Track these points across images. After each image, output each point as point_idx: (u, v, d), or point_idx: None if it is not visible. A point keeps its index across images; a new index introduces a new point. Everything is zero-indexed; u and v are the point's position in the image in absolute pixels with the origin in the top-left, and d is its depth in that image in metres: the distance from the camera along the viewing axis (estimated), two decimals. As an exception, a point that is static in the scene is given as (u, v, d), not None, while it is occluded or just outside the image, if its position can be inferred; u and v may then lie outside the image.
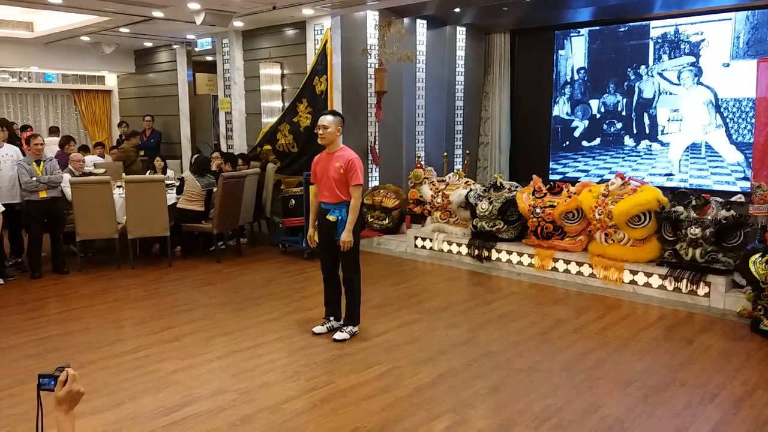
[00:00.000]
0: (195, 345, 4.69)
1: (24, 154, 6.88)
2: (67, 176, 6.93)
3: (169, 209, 7.18)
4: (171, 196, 7.39)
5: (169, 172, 8.72)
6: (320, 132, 4.66)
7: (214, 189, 7.42)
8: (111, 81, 12.59)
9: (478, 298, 5.92)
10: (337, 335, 4.74)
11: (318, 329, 4.87)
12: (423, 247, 7.72)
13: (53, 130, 10.84)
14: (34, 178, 6.43)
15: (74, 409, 1.88)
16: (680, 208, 5.73)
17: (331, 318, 4.92)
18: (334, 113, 4.77)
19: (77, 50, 10.94)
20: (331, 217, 4.69)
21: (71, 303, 5.79)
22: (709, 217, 5.54)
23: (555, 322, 5.15)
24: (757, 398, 3.75)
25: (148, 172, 8.55)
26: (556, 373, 4.15)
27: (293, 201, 7.69)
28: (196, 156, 8.01)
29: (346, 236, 4.60)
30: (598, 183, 6.69)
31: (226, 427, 3.41)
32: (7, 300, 5.87)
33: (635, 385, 3.93)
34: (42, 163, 6.56)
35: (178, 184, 7.61)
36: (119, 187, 7.43)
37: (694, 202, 5.66)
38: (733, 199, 5.70)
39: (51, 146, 8.59)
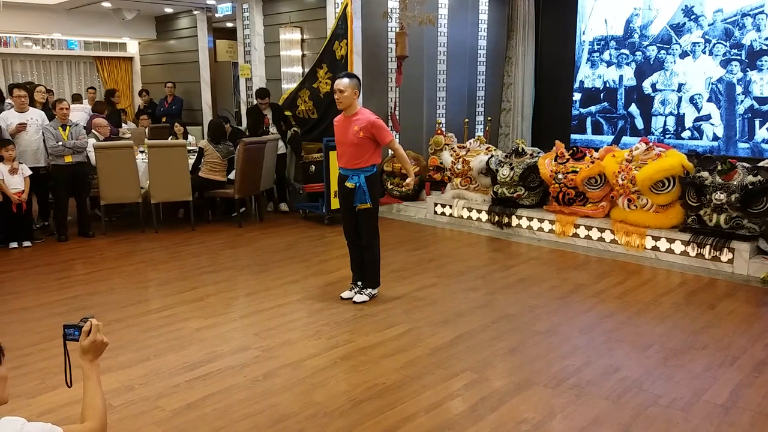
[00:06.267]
0: (218, 305, 4.78)
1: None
2: (91, 141, 7.02)
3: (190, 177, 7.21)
4: (191, 162, 7.43)
5: (190, 138, 8.77)
6: (336, 96, 4.62)
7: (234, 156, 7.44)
8: (132, 48, 12.62)
9: (497, 263, 5.92)
10: (357, 297, 4.79)
11: (346, 294, 4.88)
12: (443, 213, 7.71)
13: (76, 98, 10.93)
14: (60, 143, 6.53)
15: (98, 358, 1.94)
16: (705, 174, 5.63)
17: (359, 283, 4.90)
18: (349, 75, 4.68)
19: (99, 17, 10.96)
20: (349, 184, 4.68)
21: (97, 265, 5.92)
22: (735, 183, 5.44)
23: (575, 287, 5.14)
24: (778, 362, 3.73)
25: (170, 137, 8.61)
26: (575, 335, 4.16)
27: (313, 167, 7.71)
28: (210, 121, 7.94)
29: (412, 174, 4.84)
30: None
31: (248, 383, 3.49)
32: (35, 261, 6.02)
33: (655, 348, 3.93)
34: (68, 127, 6.65)
35: (197, 151, 7.61)
36: (142, 152, 7.51)
37: (719, 167, 5.55)
38: (761, 164, 5.59)
39: (74, 113, 8.66)
